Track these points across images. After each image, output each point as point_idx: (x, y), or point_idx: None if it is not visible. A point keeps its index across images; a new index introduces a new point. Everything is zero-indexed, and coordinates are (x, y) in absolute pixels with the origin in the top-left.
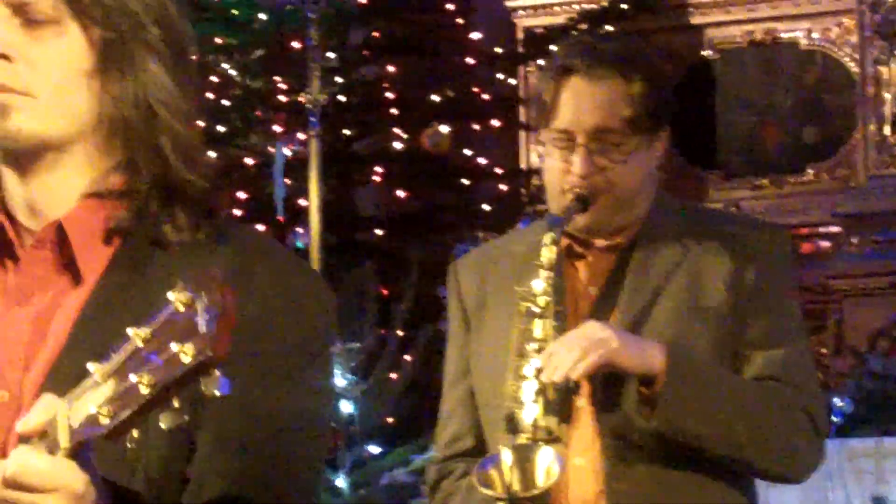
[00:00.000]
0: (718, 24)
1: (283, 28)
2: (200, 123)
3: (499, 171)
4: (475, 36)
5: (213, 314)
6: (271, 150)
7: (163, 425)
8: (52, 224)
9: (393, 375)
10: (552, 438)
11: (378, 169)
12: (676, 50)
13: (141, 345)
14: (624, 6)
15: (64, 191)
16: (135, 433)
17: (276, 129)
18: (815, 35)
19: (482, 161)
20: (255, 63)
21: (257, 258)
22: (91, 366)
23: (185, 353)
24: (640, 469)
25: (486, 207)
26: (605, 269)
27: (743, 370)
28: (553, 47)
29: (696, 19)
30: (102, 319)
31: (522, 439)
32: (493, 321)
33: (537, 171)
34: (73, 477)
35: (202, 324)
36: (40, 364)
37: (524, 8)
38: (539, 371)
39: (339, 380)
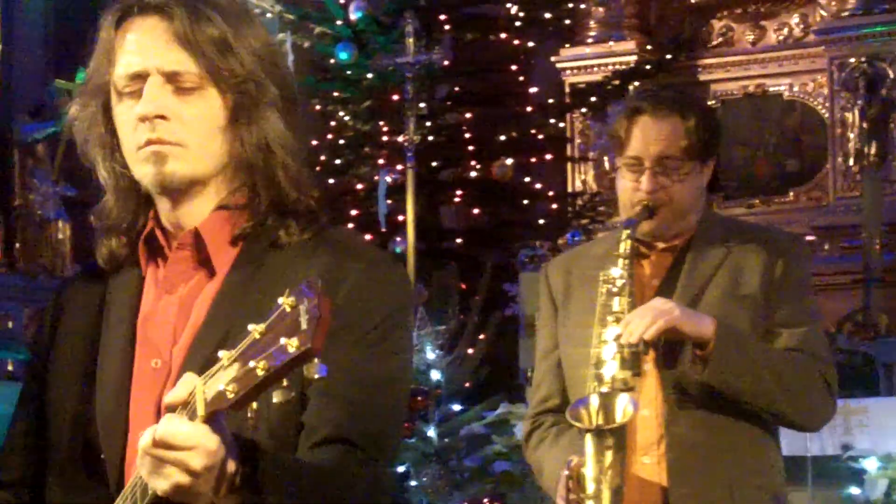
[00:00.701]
0: (720, 80)
1: (385, 84)
2: (321, 157)
3: (550, 193)
4: (533, 90)
5: (312, 315)
6: (376, 178)
7: (274, 399)
8: (190, 231)
9: (470, 351)
10: (627, 388)
11: (458, 192)
12: None
13: (258, 337)
14: (647, 66)
15: (201, 208)
16: (254, 405)
17: (380, 161)
18: (795, 88)
19: (537, 186)
20: (364, 111)
21: (350, 254)
22: (221, 353)
23: (291, 345)
24: (693, 416)
25: (540, 222)
26: (665, 265)
27: (773, 344)
28: (593, 98)
29: (703, 76)
30: (231, 304)
31: (605, 388)
32: (578, 304)
33: (580, 194)
34: (208, 438)
35: (303, 322)
36: (185, 339)
37: (570, 68)
38: (618, 336)
39: (430, 353)
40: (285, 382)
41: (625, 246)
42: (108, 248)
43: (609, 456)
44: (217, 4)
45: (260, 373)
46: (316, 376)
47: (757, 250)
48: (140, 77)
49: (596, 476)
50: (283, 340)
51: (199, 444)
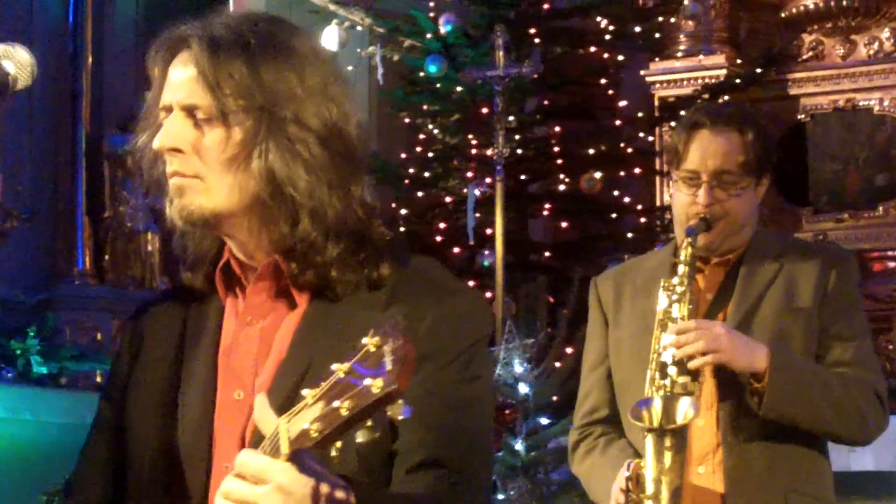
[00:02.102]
0: (810, 95)
1: (474, 97)
2: (410, 170)
3: (639, 207)
4: (622, 103)
5: (397, 356)
6: (465, 191)
7: (358, 439)
8: (269, 262)
9: (558, 364)
10: (687, 392)
11: (547, 205)
12: (778, 114)
13: (342, 376)
14: (737, 80)
15: (257, 243)
16: (338, 444)
17: (469, 175)
18: (885, 103)
19: (626, 200)
20: (453, 124)
21: (429, 286)
22: (305, 391)
23: (376, 386)
24: (749, 425)
25: (629, 235)
26: (718, 280)
27: (825, 357)
28: (682, 112)
29: (793, 91)
30: (312, 338)
31: (666, 392)
32: (630, 315)
33: (669, 208)
34: (285, 474)
35: (388, 363)
36: (267, 372)
37: (660, 82)
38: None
39: (518, 367)
40: (370, 423)
41: (685, 253)
42: (188, 280)
43: (669, 457)
44: (243, 36)
45: (344, 413)
46: (400, 417)
47: (809, 265)
48: (168, 110)
49: (656, 476)
50: (367, 381)
51: (275, 481)
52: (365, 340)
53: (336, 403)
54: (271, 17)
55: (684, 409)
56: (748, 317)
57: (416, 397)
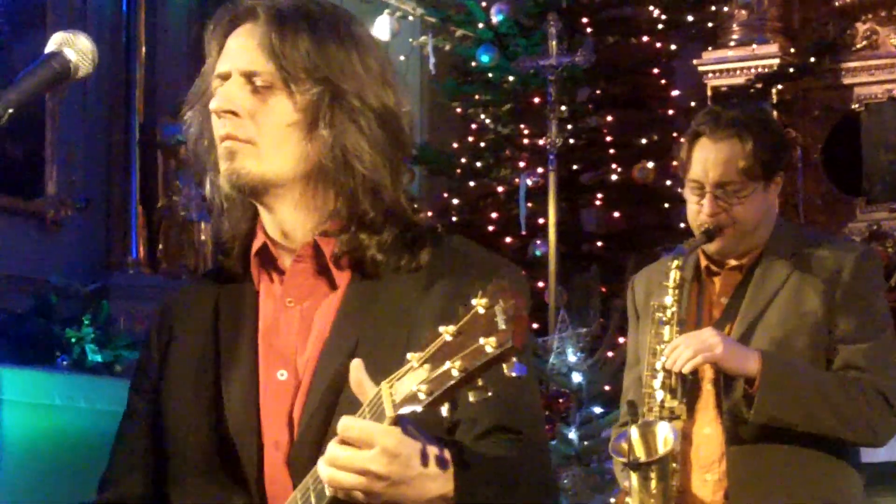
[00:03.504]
0: (864, 84)
1: (527, 87)
2: (462, 160)
3: None
4: (675, 93)
5: (509, 315)
6: (517, 181)
7: (471, 399)
8: (309, 243)
9: (610, 354)
10: (673, 416)
11: (599, 195)
12: (831, 104)
13: (449, 339)
14: (790, 70)
15: (301, 219)
16: (446, 405)
17: (521, 164)
18: None
19: (678, 190)
20: (505, 114)
21: (469, 264)
22: (409, 354)
23: (490, 344)
24: (753, 432)
25: (681, 226)
26: (733, 284)
27: (834, 361)
28: (735, 101)
29: (846, 80)
30: (357, 316)
31: (651, 416)
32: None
33: None
34: (391, 437)
35: (501, 322)
36: (311, 350)
37: (712, 71)
38: (663, 364)
39: (571, 356)
40: (480, 382)
41: (674, 276)
42: (223, 264)
43: (653, 486)
44: (309, 12)
45: (456, 373)
46: (514, 374)
47: (822, 264)
48: (226, 77)
49: None
50: (481, 340)
51: (380, 444)
52: (473, 302)
53: (447, 364)
54: (331, 3)
55: (663, 436)
56: (754, 322)
57: None
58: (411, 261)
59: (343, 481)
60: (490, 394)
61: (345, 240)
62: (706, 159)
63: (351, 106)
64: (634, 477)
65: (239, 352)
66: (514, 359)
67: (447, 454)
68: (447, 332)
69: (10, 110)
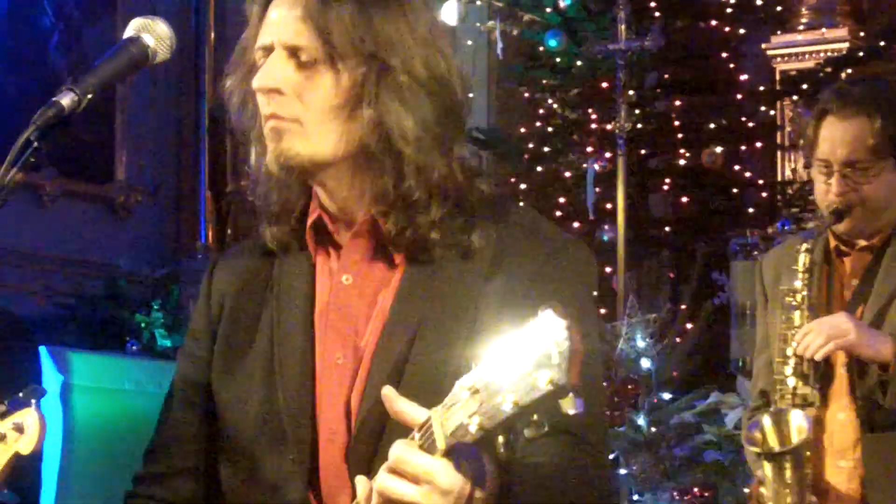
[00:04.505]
0: None
1: (595, 72)
2: (529, 145)
3: (760, 182)
4: (743, 77)
5: (564, 348)
6: (584, 165)
7: (526, 435)
8: (367, 218)
9: (679, 340)
10: (806, 403)
11: (667, 180)
12: None
13: (501, 368)
14: (860, 54)
15: (356, 195)
16: (500, 439)
17: (588, 149)
18: None
19: (747, 174)
20: (573, 99)
21: (531, 240)
22: (458, 383)
23: (542, 379)
24: (888, 421)
25: (750, 210)
26: (864, 264)
27: None
28: (804, 86)
29: None
30: (417, 298)
31: (783, 404)
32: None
33: (790, 183)
34: (445, 475)
35: (555, 356)
36: (371, 334)
37: (781, 55)
38: (794, 350)
39: (640, 342)
40: (536, 417)
41: (804, 260)
42: (272, 234)
43: (788, 476)
44: None
45: (508, 408)
46: (571, 412)
47: None
48: (269, 50)
49: (776, 498)
50: (532, 375)
51: (433, 480)
52: (524, 331)
53: (499, 398)
54: None
55: (797, 425)
56: (886, 304)
57: None
58: (471, 238)
59: None
60: (546, 428)
61: (395, 219)
62: (834, 138)
63: (398, 83)
64: (768, 466)
65: (294, 330)
66: (572, 394)
67: (495, 475)
68: (497, 359)
69: (90, 95)
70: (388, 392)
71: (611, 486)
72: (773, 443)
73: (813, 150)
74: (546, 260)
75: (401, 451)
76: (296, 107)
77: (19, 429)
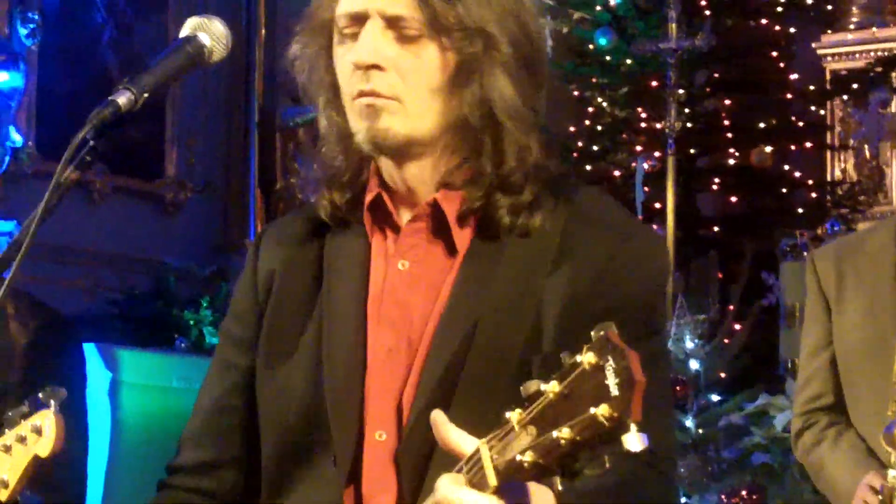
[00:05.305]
0: None
1: (644, 70)
2: (579, 143)
3: (809, 182)
4: (793, 76)
5: (623, 378)
6: (633, 164)
7: (586, 472)
8: (428, 201)
9: (727, 341)
10: None
11: (716, 180)
12: None
13: (553, 398)
14: None
15: (428, 176)
16: (557, 477)
17: (638, 148)
18: None
19: (796, 174)
20: (622, 97)
21: (603, 229)
22: (508, 414)
23: (602, 414)
24: None
25: (799, 210)
26: None
27: None
28: (855, 85)
29: None
30: (474, 287)
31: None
32: (855, 303)
33: (840, 183)
34: None
35: (613, 387)
36: (428, 325)
37: (831, 55)
38: None
39: (689, 343)
40: (595, 453)
41: None
42: (328, 201)
43: None
44: None
45: (564, 444)
46: (635, 449)
47: None
48: (360, 18)
49: None
50: (591, 409)
51: None
52: (578, 358)
53: (554, 434)
54: None
55: None
56: None
57: None
58: (538, 220)
59: None
60: (607, 465)
61: (477, 196)
62: None
63: (504, 57)
64: None
65: (345, 317)
66: (635, 428)
67: None
68: (551, 391)
69: (146, 95)
70: (437, 417)
71: (675, 498)
72: None
73: None
74: (615, 254)
75: (448, 489)
76: (397, 84)
77: (37, 431)
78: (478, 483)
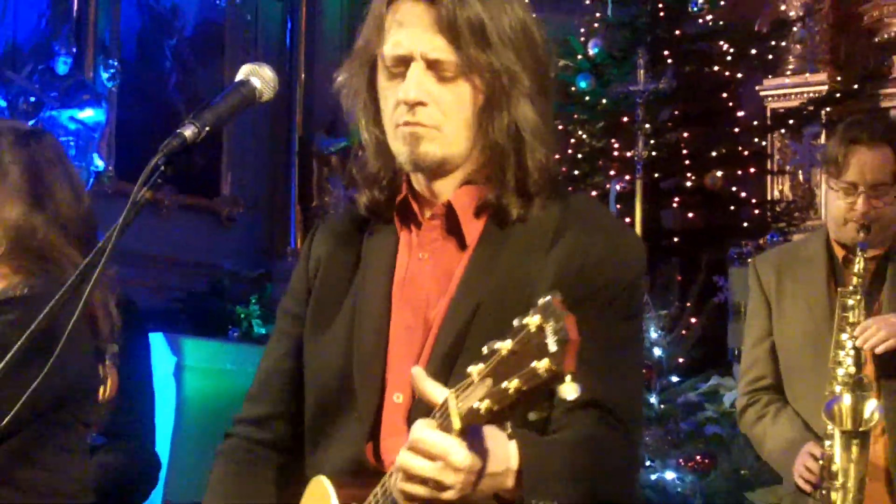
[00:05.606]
0: None
1: (617, 108)
2: (563, 168)
3: (753, 201)
4: (740, 113)
5: (561, 337)
6: (608, 186)
7: (530, 418)
8: (444, 203)
9: (685, 332)
10: (866, 386)
11: (676, 199)
12: None
13: (505, 355)
14: (837, 95)
15: (452, 184)
16: (508, 421)
17: (611, 173)
18: None
19: (742, 195)
20: (599, 130)
21: (592, 225)
22: (471, 368)
23: (541, 367)
24: None
25: (745, 225)
26: (869, 272)
27: None
28: (791, 121)
29: (884, 104)
30: (481, 276)
31: (836, 385)
32: (792, 302)
33: (778, 202)
34: (458, 453)
35: (552, 344)
36: (440, 306)
37: (772, 96)
38: (854, 340)
39: (653, 333)
40: (538, 400)
41: (859, 265)
42: (368, 197)
43: (856, 452)
44: None
45: (512, 393)
46: (568, 397)
47: None
48: (406, 60)
49: (845, 468)
50: (533, 363)
51: (447, 459)
52: (525, 320)
53: (504, 384)
54: None
55: (871, 410)
56: None
57: (582, 336)
58: (540, 212)
59: (412, 491)
60: (548, 412)
61: (495, 195)
62: (863, 164)
63: (524, 87)
64: (840, 441)
65: (374, 297)
66: (569, 379)
67: (513, 452)
68: (504, 348)
69: (208, 128)
70: (416, 372)
71: (634, 458)
72: (847, 424)
73: (840, 173)
74: (599, 246)
75: (419, 431)
76: (436, 116)
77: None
78: (446, 426)
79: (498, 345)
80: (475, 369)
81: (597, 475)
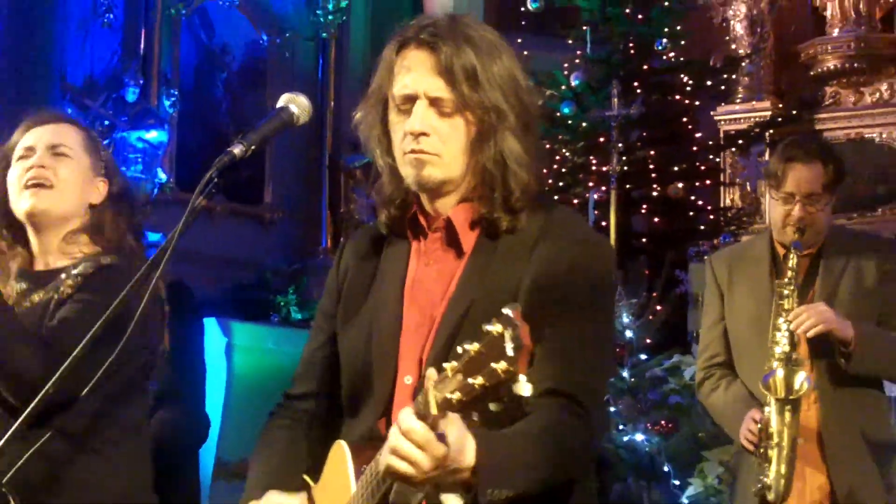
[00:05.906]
0: (830, 130)
1: (596, 130)
2: (549, 181)
3: (709, 208)
4: (698, 135)
5: (516, 343)
6: (587, 196)
7: (491, 408)
8: (444, 218)
9: (651, 318)
10: (798, 359)
11: (644, 206)
12: None
13: (473, 355)
14: (779, 119)
15: (451, 202)
16: (475, 412)
17: (590, 185)
18: (884, 135)
19: (700, 203)
20: (580, 149)
21: (569, 236)
22: (446, 364)
23: (500, 369)
24: (836, 378)
25: (702, 228)
26: (804, 268)
27: (888, 323)
28: (740, 141)
29: (818, 126)
30: (474, 281)
31: (775, 362)
32: (741, 293)
33: (730, 209)
34: (440, 449)
35: (509, 349)
36: (442, 305)
37: (724, 120)
38: (789, 324)
39: (625, 318)
40: (500, 396)
41: (793, 261)
42: (385, 216)
43: (788, 416)
44: (474, 43)
45: (478, 388)
46: (525, 393)
47: (872, 255)
48: (412, 98)
49: (779, 430)
50: (493, 364)
51: (429, 449)
52: (490, 327)
53: (471, 380)
54: (476, 21)
55: (801, 381)
56: (830, 298)
57: (551, 334)
58: (525, 223)
59: (398, 468)
60: (508, 405)
61: (486, 210)
62: (800, 177)
63: (511, 123)
64: (775, 407)
65: (389, 298)
66: (522, 379)
67: (470, 449)
68: (472, 349)
69: (253, 147)
70: (430, 373)
71: (592, 440)
72: (781, 392)
73: (780, 185)
74: (574, 250)
75: (402, 414)
76: (437, 145)
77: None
78: (425, 412)
79: (468, 346)
80: (450, 366)
81: (554, 460)
